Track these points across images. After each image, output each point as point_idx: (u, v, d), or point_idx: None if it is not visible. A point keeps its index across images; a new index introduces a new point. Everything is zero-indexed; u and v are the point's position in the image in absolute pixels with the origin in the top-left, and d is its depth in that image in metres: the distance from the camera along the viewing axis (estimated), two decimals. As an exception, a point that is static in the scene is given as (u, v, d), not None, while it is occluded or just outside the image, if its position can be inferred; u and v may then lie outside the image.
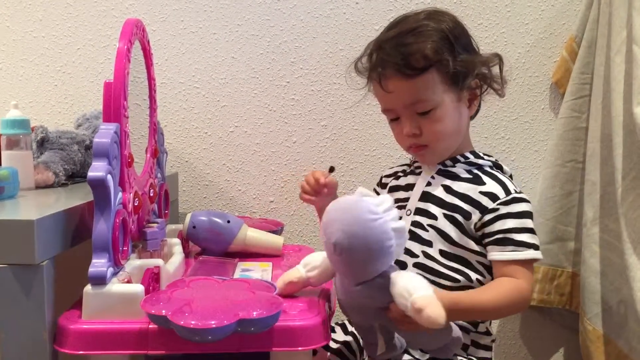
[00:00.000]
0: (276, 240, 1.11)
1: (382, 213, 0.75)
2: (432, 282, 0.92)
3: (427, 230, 0.95)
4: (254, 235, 1.09)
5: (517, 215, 0.90)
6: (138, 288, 0.76)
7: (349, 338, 1.02)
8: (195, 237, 1.07)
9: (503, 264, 0.89)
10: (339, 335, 1.03)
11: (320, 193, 1.07)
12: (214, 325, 0.67)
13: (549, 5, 1.41)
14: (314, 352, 0.94)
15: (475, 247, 0.92)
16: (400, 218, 0.97)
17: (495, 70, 0.97)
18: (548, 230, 1.36)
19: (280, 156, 1.45)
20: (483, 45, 1.01)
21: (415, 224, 0.96)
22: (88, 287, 0.75)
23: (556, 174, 1.36)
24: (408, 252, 0.95)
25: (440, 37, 0.91)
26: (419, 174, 1.01)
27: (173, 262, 0.90)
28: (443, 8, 0.98)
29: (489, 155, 1.00)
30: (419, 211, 0.97)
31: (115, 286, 0.75)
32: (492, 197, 0.92)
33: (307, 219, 1.45)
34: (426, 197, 0.97)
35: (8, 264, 0.72)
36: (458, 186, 0.95)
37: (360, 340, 0.99)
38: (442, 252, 0.93)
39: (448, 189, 0.95)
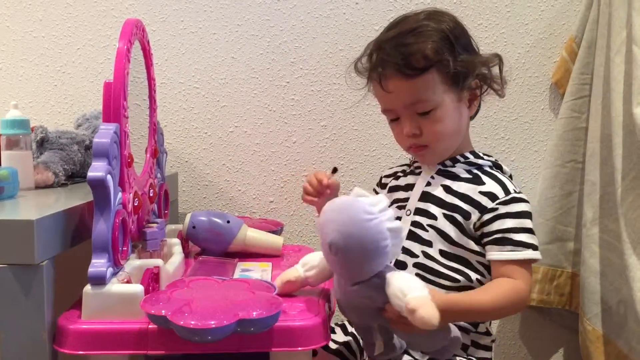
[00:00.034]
0: (276, 240, 1.11)
1: (378, 213, 0.75)
2: (432, 282, 0.93)
3: (427, 231, 0.95)
4: (253, 236, 1.09)
5: (516, 215, 0.90)
6: (138, 288, 0.76)
7: (349, 339, 1.02)
8: (195, 237, 1.07)
9: (501, 264, 0.89)
10: (339, 336, 1.03)
11: (322, 194, 1.07)
12: (213, 326, 0.67)
13: (548, 6, 1.41)
14: (314, 352, 0.94)
15: (475, 247, 0.92)
16: (400, 218, 0.98)
17: (495, 70, 0.97)
18: (548, 231, 1.36)
19: (280, 156, 1.45)
20: (483, 46, 1.01)
21: (415, 224, 0.96)
22: (88, 287, 0.75)
23: (556, 174, 1.36)
24: (408, 252, 0.95)
25: (440, 37, 0.91)
26: (419, 174, 1.01)
27: (173, 262, 0.90)
28: (443, 8, 0.98)
29: (488, 155, 1.00)
30: (418, 211, 0.97)
31: (115, 286, 0.75)
32: (492, 196, 0.92)
33: (306, 219, 1.45)
34: (426, 197, 0.97)
35: (8, 264, 0.72)
36: (458, 186, 0.95)
37: (360, 341, 0.99)
38: (442, 252, 0.93)
39: (448, 189, 0.95)
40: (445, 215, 0.94)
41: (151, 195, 0.98)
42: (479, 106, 1.00)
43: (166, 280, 0.83)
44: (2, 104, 1.40)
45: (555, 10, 1.41)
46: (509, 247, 0.89)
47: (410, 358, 0.92)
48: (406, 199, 1.00)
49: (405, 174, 1.05)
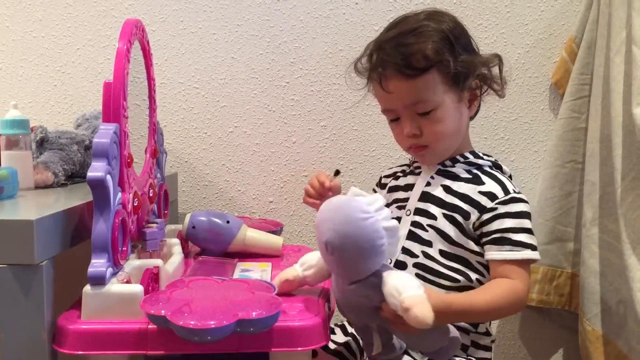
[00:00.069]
0: (275, 240, 1.10)
1: (374, 212, 0.75)
2: (432, 283, 0.93)
3: (427, 231, 0.95)
4: (253, 236, 1.09)
5: (515, 215, 0.90)
6: (137, 288, 0.76)
7: (348, 339, 1.02)
8: (195, 237, 1.07)
9: (500, 264, 0.89)
10: (339, 336, 1.03)
11: (324, 197, 1.05)
12: (213, 326, 0.67)
13: (548, 6, 1.41)
14: (314, 353, 0.94)
15: (475, 248, 0.92)
16: (400, 218, 0.98)
17: (495, 70, 0.97)
18: (547, 231, 1.36)
19: (279, 156, 1.45)
20: (483, 46, 1.01)
21: (414, 224, 0.96)
22: (87, 287, 0.75)
23: (556, 175, 1.36)
24: (408, 252, 0.95)
25: (440, 37, 0.91)
26: (419, 174, 1.01)
27: (172, 262, 0.90)
28: (443, 8, 0.98)
29: (488, 155, 1.00)
30: (418, 211, 0.97)
31: (115, 286, 0.75)
32: (491, 196, 0.92)
33: (306, 220, 1.45)
34: (426, 197, 0.97)
35: (7, 264, 0.72)
36: (457, 186, 0.95)
37: (360, 341, 0.99)
38: (442, 252, 0.93)
39: (448, 189, 0.95)
40: (445, 215, 0.94)
41: (151, 195, 0.98)
42: (479, 106, 1.00)
43: (166, 281, 0.83)
44: (1, 104, 1.39)
45: (555, 10, 1.41)
46: (508, 247, 0.89)
47: (410, 358, 0.92)
48: (406, 199, 1.00)
49: (405, 174, 1.05)
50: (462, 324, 0.93)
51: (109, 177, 0.76)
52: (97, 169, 0.75)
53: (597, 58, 1.27)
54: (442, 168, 0.98)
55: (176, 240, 1.00)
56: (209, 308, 0.72)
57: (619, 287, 1.14)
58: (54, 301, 0.76)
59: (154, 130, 1.04)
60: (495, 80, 0.97)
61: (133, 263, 0.84)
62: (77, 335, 0.72)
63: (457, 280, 0.92)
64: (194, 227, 1.06)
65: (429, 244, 0.94)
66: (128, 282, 0.79)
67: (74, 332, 0.73)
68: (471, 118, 1.00)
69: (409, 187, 1.01)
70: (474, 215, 0.92)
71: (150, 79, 1.01)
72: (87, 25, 1.42)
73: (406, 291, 0.72)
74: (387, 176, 1.09)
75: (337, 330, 1.05)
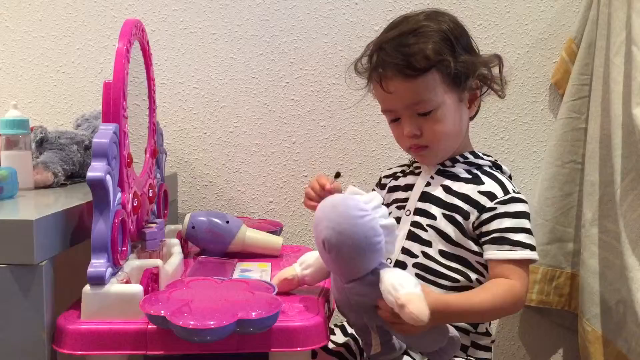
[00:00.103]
0: (275, 240, 1.10)
1: (371, 210, 0.75)
2: (432, 283, 0.93)
3: (427, 231, 0.95)
4: (253, 236, 1.09)
5: (514, 215, 0.90)
6: (137, 288, 0.76)
7: (348, 340, 1.02)
8: (194, 237, 1.07)
9: (498, 263, 0.89)
10: (339, 337, 1.03)
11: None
12: (212, 326, 0.67)
13: (548, 7, 1.41)
14: (314, 353, 0.94)
15: (475, 248, 0.92)
16: (400, 218, 0.98)
17: (495, 71, 0.97)
18: (547, 231, 1.36)
19: (279, 157, 1.45)
20: (482, 46, 1.01)
21: (414, 224, 0.96)
22: (87, 288, 0.75)
23: (555, 175, 1.36)
24: (408, 252, 0.95)
25: (441, 37, 0.91)
26: (418, 174, 1.01)
27: (172, 262, 0.90)
28: (443, 9, 0.98)
29: (488, 155, 1.00)
30: (418, 211, 0.97)
31: (114, 286, 0.75)
32: (491, 196, 0.92)
33: (306, 220, 1.45)
34: (425, 197, 0.97)
35: (7, 264, 0.72)
36: (457, 186, 0.95)
37: (360, 342, 0.99)
38: (441, 252, 0.93)
39: (447, 189, 0.95)
40: (444, 215, 0.94)
41: (150, 195, 0.98)
42: (479, 107, 1.00)
43: (165, 281, 0.83)
44: (1, 103, 1.39)
45: (555, 11, 1.41)
46: (507, 247, 0.89)
47: (410, 359, 0.92)
48: (405, 199, 1.00)
49: (404, 174, 1.05)
50: (462, 324, 0.93)
51: (108, 177, 0.76)
52: (96, 169, 0.75)
53: (597, 58, 1.27)
54: (441, 168, 0.98)
55: (176, 241, 1.00)
56: (209, 308, 0.72)
57: (619, 288, 1.15)
58: (53, 301, 0.76)
59: (154, 131, 1.04)
60: (496, 81, 0.97)
61: (132, 263, 0.84)
62: (77, 336, 0.72)
63: (457, 281, 0.92)
64: (193, 227, 1.06)
65: (428, 244, 0.94)
66: (128, 282, 0.78)
67: (73, 332, 0.73)
68: (471, 118, 1.00)
69: (408, 187, 1.01)
70: (474, 215, 0.92)
71: (150, 79, 1.01)
72: (87, 26, 1.42)
73: (403, 288, 0.73)
74: (386, 176, 1.09)
75: (337, 330, 1.05)
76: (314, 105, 1.44)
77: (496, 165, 0.98)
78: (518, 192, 0.93)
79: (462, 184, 0.95)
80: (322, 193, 1.02)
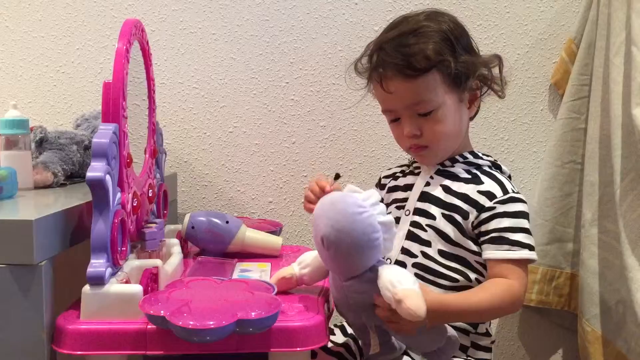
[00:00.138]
0: (275, 240, 1.10)
1: (369, 207, 0.76)
2: (431, 282, 0.93)
3: (426, 230, 0.95)
4: (252, 236, 1.09)
5: (513, 215, 0.90)
6: (136, 288, 0.76)
7: (348, 340, 1.02)
8: (194, 237, 1.07)
9: (497, 263, 0.89)
10: (338, 337, 1.03)
11: None
12: (212, 326, 0.67)
13: (548, 7, 1.41)
14: (314, 353, 0.94)
15: (474, 247, 0.92)
16: (399, 218, 0.98)
17: (495, 71, 0.97)
18: (547, 231, 1.36)
19: (279, 157, 1.45)
20: (482, 47, 1.01)
21: (414, 224, 0.96)
22: (86, 288, 0.75)
23: (555, 175, 1.36)
24: (407, 252, 0.95)
25: (441, 38, 0.91)
26: (418, 174, 1.01)
27: (171, 262, 0.90)
28: (442, 9, 0.98)
29: (487, 155, 1.00)
30: (417, 211, 0.97)
31: (114, 286, 0.75)
32: (490, 195, 0.92)
33: (305, 220, 1.45)
34: (425, 197, 0.97)
35: (6, 264, 0.72)
36: (456, 186, 0.95)
37: (360, 342, 0.98)
38: (441, 252, 0.93)
39: (447, 189, 0.95)
40: (444, 215, 0.94)
41: (150, 195, 0.98)
42: (479, 107, 1.00)
43: (165, 281, 0.83)
44: (1, 103, 1.39)
45: (555, 11, 1.41)
46: (505, 247, 0.89)
47: (410, 359, 0.92)
48: (405, 199, 1.00)
49: (404, 174, 1.05)
50: (462, 324, 0.93)
51: (108, 177, 0.76)
52: (96, 169, 0.75)
53: (597, 59, 1.27)
54: (441, 168, 0.98)
55: (175, 241, 1.00)
56: (208, 308, 0.72)
57: (618, 288, 1.15)
58: (53, 301, 0.76)
59: (154, 131, 1.04)
60: (496, 81, 0.97)
61: (132, 263, 0.84)
62: (76, 336, 0.72)
63: (456, 280, 0.92)
64: (193, 228, 1.06)
65: (428, 244, 0.94)
66: (127, 282, 0.78)
67: (73, 332, 0.73)
68: (471, 119, 1.00)
69: (408, 187, 1.01)
70: (473, 214, 0.92)
71: (149, 79, 1.01)
72: (87, 26, 1.42)
73: (401, 284, 0.73)
74: (386, 177, 1.09)
75: (337, 331, 1.05)
76: (314, 106, 1.44)
77: (495, 165, 0.98)
78: (517, 192, 0.93)
79: (462, 184, 0.95)
80: (322, 195, 1.02)
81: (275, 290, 0.83)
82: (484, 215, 0.91)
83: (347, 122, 1.44)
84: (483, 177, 0.95)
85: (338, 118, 1.43)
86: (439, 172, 0.98)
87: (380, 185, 1.10)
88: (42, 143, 1.10)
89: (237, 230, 1.07)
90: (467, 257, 0.93)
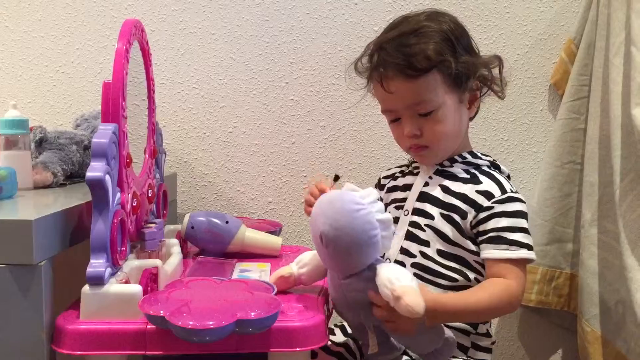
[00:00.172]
0: (274, 240, 1.10)
1: (367, 205, 0.76)
2: (430, 282, 0.93)
3: (425, 230, 0.95)
4: (252, 236, 1.09)
5: (511, 215, 0.90)
6: (136, 288, 0.76)
7: (348, 340, 1.02)
8: (194, 237, 1.07)
9: (495, 263, 0.89)
10: (339, 337, 1.03)
11: None
12: (211, 326, 0.67)
13: (547, 7, 1.41)
14: (314, 354, 0.94)
15: (472, 247, 0.92)
16: (398, 219, 0.98)
17: (495, 72, 0.97)
18: (546, 232, 1.36)
19: (279, 157, 1.45)
20: (482, 47, 1.01)
21: (412, 224, 0.96)
22: (86, 288, 0.75)
23: (555, 176, 1.36)
24: (406, 252, 0.96)
25: (441, 38, 0.91)
26: (417, 174, 1.01)
27: (171, 262, 0.90)
28: (442, 9, 0.98)
29: (486, 155, 1.00)
30: (416, 211, 0.97)
31: (113, 286, 0.75)
32: (488, 195, 0.92)
33: (305, 220, 1.45)
34: (423, 197, 0.97)
35: (6, 264, 0.72)
36: (455, 186, 0.95)
37: (360, 342, 0.99)
38: (439, 252, 0.93)
39: (446, 189, 0.95)
40: (442, 215, 0.94)
41: (150, 195, 0.98)
42: (478, 107, 1.00)
43: (164, 281, 0.83)
44: (1, 103, 1.39)
45: (554, 11, 1.41)
46: (504, 246, 0.89)
47: (408, 358, 0.92)
48: (404, 199, 1.00)
49: (403, 174, 1.05)
50: (462, 325, 0.93)
51: (107, 177, 0.76)
52: (96, 169, 0.75)
53: (596, 59, 1.27)
54: (440, 168, 0.98)
55: (175, 241, 1.00)
56: (208, 308, 0.72)
57: (618, 288, 1.15)
58: (52, 301, 0.76)
59: (153, 131, 1.04)
60: (496, 82, 0.97)
61: (132, 263, 0.84)
62: (76, 336, 0.72)
63: (455, 280, 0.92)
64: (192, 228, 1.06)
65: (426, 243, 0.94)
66: (127, 282, 0.78)
67: (72, 332, 0.73)
68: (471, 119, 1.00)
69: (407, 188, 1.01)
70: (471, 214, 0.92)
71: (149, 79, 1.01)
72: (87, 26, 1.42)
73: (399, 281, 0.73)
74: (385, 177, 1.09)
75: (337, 330, 1.05)
76: (314, 106, 1.44)
77: (494, 165, 0.99)
78: (516, 192, 0.93)
79: (461, 184, 0.95)
80: None
81: (275, 290, 0.83)
82: (482, 214, 0.91)
83: (346, 123, 1.44)
84: (481, 177, 0.95)
85: (338, 118, 1.43)
86: (438, 172, 0.98)
87: (379, 186, 1.10)
88: (41, 143, 1.10)
89: (237, 230, 1.07)
90: (466, 257, 0.93)
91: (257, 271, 0.99)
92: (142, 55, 0.97)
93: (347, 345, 1.01)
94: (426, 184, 0.98)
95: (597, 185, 1.23)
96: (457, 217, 0.92)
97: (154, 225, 0.93)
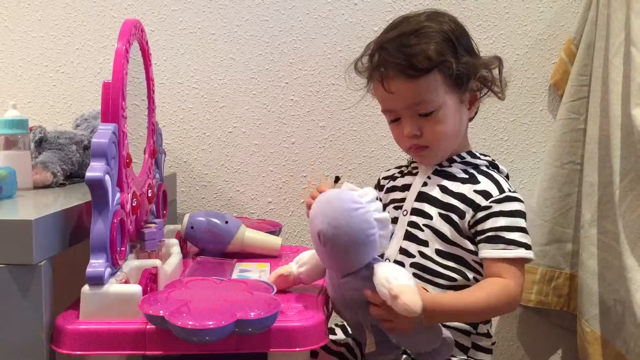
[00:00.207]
0: (274, 240, 1.10)
1: (365, 203, 0.76)
2: (429, 282, 0.93)
3: (423, 230, 0.95)
4: (252, 236, 1.09)
5: (509, 214, 0.90)
6: (136, 288, 0.76)
7: (349, 339, 1.02)
8: (193, 237, 1.07)
9: (493, 262, 0.89)
10: (339, 336, 1.03)
11: None
12: (211, 326, 0.67)
13: (547, 7, 1.41)
14: (315, 353, 0.94)
15: (471, 247, 0.92)
16: (397, 219, 0.98)
17: (495, 72, 0.97)
18: (546, 232, 1.36)
19: (278, 157, 1.45)
20: (482, 47, 1.01)
21: (411, 224, 0.96)
22: (86, 288, 0.75)
23: (554, 176, 1.36)
24: (405, 252, 0.96)
25: (442, 38, 0.91)
26: (416, 174, 1.01)
27: (171, 262, 0.90)
28: (442, 9, 0.98)
29: (485, 155, 1.00)
30: (415, 211, 0.97)
31: (113, 286, 0.75)
32: (486, 195, 0.92)
33: (305, 220, 1.45)
34: (422, 197, 0.97)
35: (6, 264, 0.72)
36: (454, 186, 0.95)
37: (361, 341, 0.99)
38: (438, 252, 0.94)
39: (444, 189, 0.95)
40: (441, 215, 0.94)
41: (149, 195, 0.98)
42: (478, 108, 1.00)
43: (164, 281, 0.83)
44: (0, 103, 1.39)
45: (554, 11, 1.41)
46: (501, 246, 0.89)
47: (409, 358, 0.92)
48: (403, 200, 1.00)
49: (402, 174, 1.05)
50: (463, 325, 0.93)
51: (107, 177, 0.76)
52: (95, 169, 0.75)
53: (596, 59, 1.27)
54: (438, 168, 0.98)
55: (175, 241, 1.00)
56: (208, 308, 0.72)
57: (618, 288, 1.15)
58: (52, 301, 0.76)
59: (153, 131, 1.04)
60: (496, 83, 0.97)
61: (131, 263, 0.84)
62: (76, 336, 0.72)
63: (454, 279, 0.92)
64: (192, 228, 1.06)
65: (425, 243, 0.94)
66: (126, 282, 0.78)
67: (72, 332, 0.73)
68: (470, 119, 1.00)
69: (405, 188, 1.01)
70: (469, 213, 0.92)
71: (149, 79, 1.01)
72: (86, 25, 1.42)
73: (396, 280, 0.74)
74: (385, 178, 1.09)
75: (338, 330, 1.05)
76: (313, 106, 1.44)
77: (493, 165, 0.99)
78: (514, 191, 0.93)
79: (459, 183, 0.95)
80: None
81: (275, 290, 0.83)
82: (480, 214, 0.91)
83: (346, 123, 1.44)
84: (480, 177, 0.95)
85: (337, 118, 1.43)
86: (437, 172, 0.98)
87: (379, 187, 1.10)
88: (41, 143, 1.10)
89: (237, 230, 1.07)
90: (464, 257, 0.93)
91: (256, 271, 0.99)
92: (142, 55, 0.97)
93: (348, 345, 1.01)
94: (425, 184, 0.98)
95: (597, 185, 1.23)
96: (455, 217, 0.93)
97: (153, 225, 0.93)
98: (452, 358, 0.92)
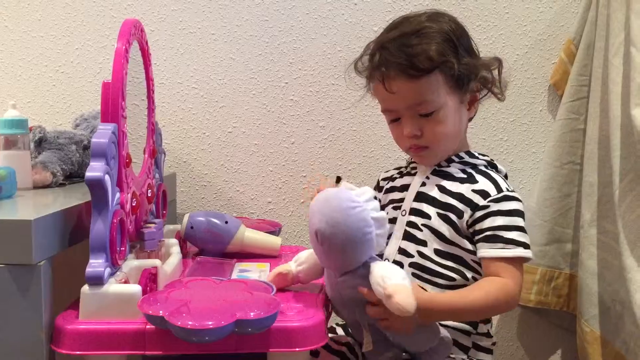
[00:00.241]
0: (274, 241, 1.11)
1: (363, 202, 0.76)
2: (428, 282, 0.93)
3: (422, 230, 0.95)
4: (251, 236, 1.09)
5: (507, 213, 0.90)
6: (135, 288, 0.76)
7: (350, 339, 1.02)
8: (193, 237, 1.07)
9: (491, 262, 0.89)
10: (340, 336, 1.03)
11: None
12: (211, 326, 0.67)
13: (547, 8, 1.41)
14: (316, 353, 0.94)
15: (469, 246, 0.92)
16: (396, 219, 0.98)
17: (495, 73, 0.97)
18: (546, 232, 1.36)
19: (278, 157, 1.45)
20: (481, 47, 1.01)
21: (410, 224, 0.96)
22: (85, 288, 0.74)
23: (554, 176, 1.36)
24: (404, 252, 0.96)
25: (443, 38, 0.91)
26: (415, 174, 1.01)
27: (170, 262, 0.90)
28: (442, 9, 0.98)
29: (484, 155, 1.00)
30: (413, 211, 0.97)
31: (113, 286, 0.75)
32: (484, 194, 0.92)
33: (304, 220, 1.45)
34: (421, 197, 0.97)
35: (5, 264, 0.72)
36: (452, 186, 0.95)
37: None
38: (437, 252, 0.94)
39: (442, 189, 0.95)
40: (439, 215, 0.94)
41: (149, 195, 0.98)
42: (477, 108, 1.00)
43: (164, 281, 0.83)
44: (0, 103, 1.39)
45: (554, 11, 1.41)
46: (500, 245, 0.89)
47: (408, 357, 0.92)
48: (401, 200, 1.00)
49: (401, 175, 1.05)
50: (463, 325, 0.93)
51: (107, 177, 0.76)
52: (95, 169, 0.75)
53: (596, 59, 1.27)
54: (437, 168, 0.98)
55: (174, 241, 1.00)
56: (207, 308, 0.72)
57: (617, 289, 1.15)
58: (52, 301, 0.76)
59: (153, 131, 1.04)
60: (496, 84, 0.97)
61: (131, 263, 0.84)
62: (75, 336, 0.72)
63: (453, 279, 0.92)
64: (192, 228, 1.06)
65: (424, 243, 0.94)
66: (126, 282, 0.78)
67: (71, 332, 0.73)
68: (470, 120, 1.00)
69: (404, 188, 1.01)
70: (467, 213, 0.92)
71: (148, 79, 1.01)
72: (86, 25, 1.42)
73: (391, 280, 0.74)
74: (384, 179, 1.09)
75: (339, 329, 1.05)
76: (313, 106, 1.44)
77: (491, 165, 0.99)
78: (512, 191, 0.93)
79: (457, 183, 0.95)
80: None
81: (274, 290, 0.83)
82: (478, 213, 0.91)
83: (346, 123, 1.44)
84: (478, 177, 0.95)
85: (337, 118, 1.43)
86: (435, 172, 0.98)
87: (378, 188, 1.10)
88: (41, 143, 1.10)
89: (236, 230, 1.07)
90: (463, 256, 0.93)
91: (256, 271, 0.99)
92: (142, 55, 0.97)
93: (349, 344, 1.01)
94: (423, 184, 0.98)
95: (597, 185, 1.23)
96: (453, 217, 0.93)
97: (153, 225, 0.93)
98: (453, 358, 0.92)
